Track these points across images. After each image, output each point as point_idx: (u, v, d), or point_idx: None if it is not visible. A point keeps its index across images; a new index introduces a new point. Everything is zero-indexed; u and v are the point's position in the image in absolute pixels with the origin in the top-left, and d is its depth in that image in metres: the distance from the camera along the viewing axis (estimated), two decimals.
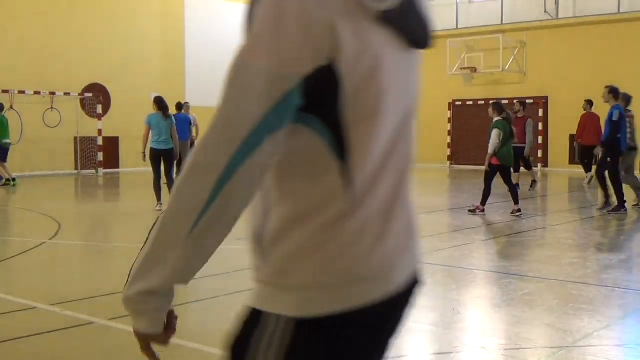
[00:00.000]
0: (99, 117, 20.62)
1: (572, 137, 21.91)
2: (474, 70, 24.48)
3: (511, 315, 5.42)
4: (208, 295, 6.14)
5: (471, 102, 24.79)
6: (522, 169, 15.39)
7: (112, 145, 21.74)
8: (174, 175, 12.27)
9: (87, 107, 21.13)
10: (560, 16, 23.34)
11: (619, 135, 11.25)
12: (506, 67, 23.60)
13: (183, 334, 4.91)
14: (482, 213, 11.41)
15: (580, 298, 6.11)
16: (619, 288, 6.46)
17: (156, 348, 1.51)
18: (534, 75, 23.89)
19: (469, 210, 11.59)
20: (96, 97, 20.85)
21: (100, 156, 20.70)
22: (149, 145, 11.87)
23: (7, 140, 16.66)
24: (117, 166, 22.25)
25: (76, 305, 5.68)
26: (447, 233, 9.69)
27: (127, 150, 22.59)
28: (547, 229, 10.39)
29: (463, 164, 24.99)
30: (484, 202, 11.44)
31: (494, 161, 11.26)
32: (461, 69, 24.62)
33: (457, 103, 25.40)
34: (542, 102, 23.74)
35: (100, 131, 20.52)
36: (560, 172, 21.94)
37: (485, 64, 24.23)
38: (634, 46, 21.77)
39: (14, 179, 16.58)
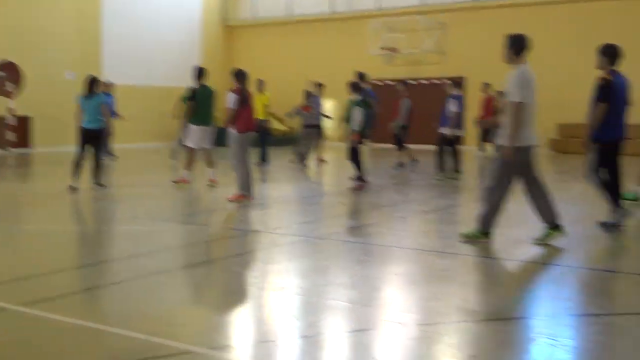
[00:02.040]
0: (10, 95, 19.86)
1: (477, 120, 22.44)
2: (394, 50, 24.69)
3: (428, 292, 5.52)
4: (128, 276, 6.02)
5: (392, 83, 25.04)
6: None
7: (24, 125, 21.00)
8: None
9: None
10: None
11: None
12: (426, 48, 23.90)
13: (104, 319, 4.81)
14: (364, 184, 11.89)
15: (492, 273, 6.29)
16: (530, 262, 6.67)
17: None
18: (453, 56, 24.28)
19: (354, 189, 11.85)
20: (8, 75, 20.06)
21: (11, 135, 19.97)
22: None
23: None
24: (29, 146, 21.52)
25: None
26: (365, 211, 9.78)
27: (40, 129, 21.87)
28: (463, 206, 10.61)
29: (382, 142, 25.25)
30: (362, 176, 11.89)
31: (358, 137, 11.86)
32: (382, 49, 24.80)
33: (378, 83, 25.58)
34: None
35: (11, 110, 19.78)
36: (474, 150, 22.41)
37: (405, 45, 24.47)
38: (551, 29, 22.35)
39: None
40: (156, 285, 5.80)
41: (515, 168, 7.06)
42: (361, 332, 4.50)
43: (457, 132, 13.59)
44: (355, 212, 9.85)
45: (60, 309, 5.01)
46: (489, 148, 19.46)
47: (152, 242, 7.79)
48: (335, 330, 4.62)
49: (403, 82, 16.08)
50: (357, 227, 8.50)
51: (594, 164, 8.00)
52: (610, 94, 7.81)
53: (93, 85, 11.87)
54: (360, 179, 11.89)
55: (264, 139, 16.71)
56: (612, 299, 5.56)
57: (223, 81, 28.49)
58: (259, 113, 16.81)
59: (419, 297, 5.41)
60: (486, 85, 19.77)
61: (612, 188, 8.00)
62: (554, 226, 7.21)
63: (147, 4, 25.44)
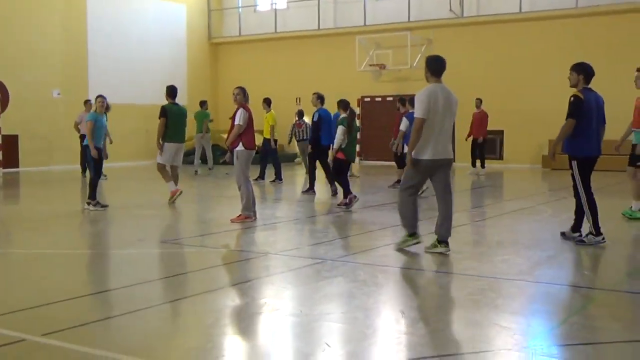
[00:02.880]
0: None
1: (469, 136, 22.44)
2: (382, 67, 24.69)
3: (460, 317, 5.37)
4: (142, 304, 5.82)
5: (380, 99, 25.03)
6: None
7: (11, 144, 20.66)
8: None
9: None
10: (465, 14, 23.89)
11: None
12: (414, 64, 23.91)
13: (124, 349, 4.61)
14: (356, 200, 11.89)
15: (522, 295, 6.16)
16: (556, 284, 6.55)
17: None
18: None
19: (338, 205, 11.90)
20: None
21: None
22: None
23: None
24: (17, 165, 21.18)
25: (2, 321, 5.24)
26: (376, 231, 9.64)
27: (27, 149, 21.54)
28: (471, 225, 10.51)
29: (372, 159, 25.19)
30: (348, 193, 11.87)
31: (341, 155, 11.90)
32: (370, 65, 24.78)
33: (366, 99, 25.55)
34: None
35: None
36: (466, 166, 22.39)
37: (393, 61, 24.48)
38: (534, 44, 22.49)
39: None
40: (173, 313, 5.62)
41: (417, 177, 7.80)
42: None
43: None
44: (366, 232, 9.69)
45: (78, 339, 4.83)
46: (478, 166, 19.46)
47: (164, 267, 7.60)
48: None
49: (401, 98, 15.91)
50: (372, 249, 8.35)
51: (579, 181, 8.20)
52: (582, 111, 8.01)
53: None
54: (346, 195, 11.88)
55: (273, 156, 16.96)
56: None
57: (209, 98, 28.34)
58: (265, 132, 16.81)
59: (453, 323, 5.26)
60: (479, 101, 19.85)
61: (593, 209, 8.17)
62: (441, 241, 7.82)
63: (132, 22, 25.25)
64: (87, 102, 18.36)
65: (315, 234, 9.80)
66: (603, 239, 8.15)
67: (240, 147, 10.22)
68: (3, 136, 19.76)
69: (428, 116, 7.49)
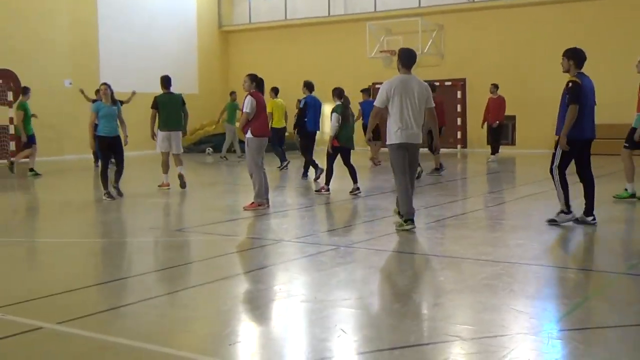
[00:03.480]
0: (10, 104, 19.58)
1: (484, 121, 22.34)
2: (393, 53, 24.55)
3: (476, 302, 5.36)
4: (159, 291, 5.84)
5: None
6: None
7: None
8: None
9: None
10: None
11: None
12: (425, 50, 23.79)
13: (140, 336, 4.63)
14: (327, 192, 12.02)
15: (537, 280, 6.13)
16: (570, 268, 6.52)
17: None
18: (451, 58, 24.20)
19: (316, 191, 12.21)
20: (6, 84, 19.80)
21: (12, 145, 19.68)
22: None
23: None
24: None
25: (19, 309, 5.26)
26: (390, 217, 9.62)
27: (40, 138, 21.57)
28: (485, 210, 10.47)
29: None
30: (328, 182, 12.12)
31: (335, 143, 11.97)
32: (381, 52, 24.67)
33: (377, 86, 25.40)
34: (460, 84, 24.11)
35: (11, 119, 19.49)
36: (480, 152, 22.33)
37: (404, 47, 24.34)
38: (546, 29, 22.32)
39: None
40: (188, 300, 5.63)
41: (396, 162, 8.35)
42: (421, 347, 4.33)
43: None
44: (380, 218, 9.67)
45: (94, 327, 4.85)
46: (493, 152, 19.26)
47: (178, 255, 7.62)
48: (394, 345, 4.45)
49: (432, 85, 15.82)
50: (386, 235, 8.33)
51: (560, 161, 8.42)
52: (581, 95, 8.17)
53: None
54: (327, 183, 12.11)
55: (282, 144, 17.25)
56: None
57: (219, 86, 28.35)
58: (279, 121, 16.82)
59: (470, 308, 5.25)
60: (494, 87, 19.59)
61: (564, 188, 8.44)
62: (407, 219, 8.30)
63: (142, 10, 25.24)
64: (98, 92, 18.36)
65: (329, 220, 9.78)
66: (574, 216, 8.44)
67: (249, 135, 10.20)
68: (16, 126, 19.80)
69: (386, 104, 8.21)
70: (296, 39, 27.15)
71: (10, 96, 19.53)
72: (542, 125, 22.21)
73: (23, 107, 16.75)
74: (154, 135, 13.15)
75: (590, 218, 8.45)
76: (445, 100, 20.56)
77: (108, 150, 11.68)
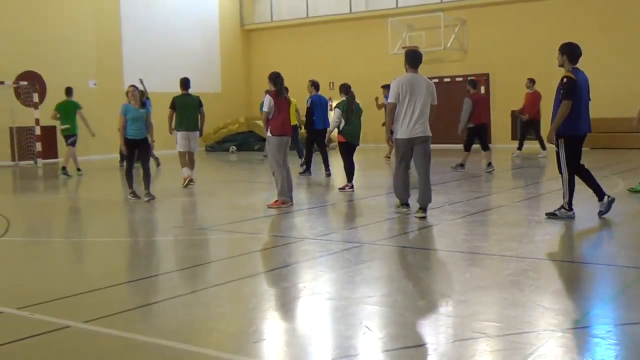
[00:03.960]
0: (35, 105, 19.81)
1: (513, 113, 22.22)
2: (415, 49, 24.45)
3: (502, 298, 5.32)
4: (184, 289, 5.87)
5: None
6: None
7: (49, 135, 20.94)
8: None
9: (22, 95, 20.28)
10: None
11: None
12: (447, 46, 23.67)
13: (166, 334, 4.65)
14: (351, 190, 12.00)
15: (565, 276, 6.08)
16: (598, 264, 6.45)
17: None
18: (474, 53, 24.05)
19: (339, 189, 12.19)
20: (31, 85, 20.02)
21: (38, 146, 19.92)
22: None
23: None
24: (56, 156, 21.47)
25: (47, 308, 5.32)
26: (409, 215, 9.58)
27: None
28: (510, 206, 10.39)
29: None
30: (350, 179, 12.16)
31: (341, 139, 12.14)
32: (403, 48, 24.55)
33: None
34: (484, 79, 23.94)
35: (37, 120, 19.73)
36: (503, 148, 22.17)
37: (426, 43, 24.25)
38: (571, 23, 22.08)
39: None
40: (213, 298, 5.65)
41: (399, 154, 9.11)
42: (447, 345, 4.31)
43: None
44: (404, 215, 9.64)
45: (121, 325, 4.89)
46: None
47: (203, 253, 7.65)
48: (420, 342, 4.43)
49: (472, 80, 15.79)
50: (410, 232, 8.31)
51: (567, 161, 8.41)
52: (575, 91, 8.22)
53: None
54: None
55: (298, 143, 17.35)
56: None
57: (242, 85, 28.44)
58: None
59: (496, 304, 5.21)
60: (531, 82, 19.04)
61: (571, 187, 8.48)
62: (402, 203, 9.34)
63: (164, 10, 25.40)
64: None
65: (352, 217, 9.77)
66: (574, 214, 8.51)
67: (268, 134, 10.30)
68: (42, 127, 20.04)
69: (398, 100, 8.82)
70: (318, 37, 27.15)
71: (35, 97, 19.74)
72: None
73: (75, 107, 16.92)
74: (171, 131, 13.70)
75: (605, 199, 8.60)
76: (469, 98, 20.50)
77: (134, 151, 11.70)
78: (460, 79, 23.94)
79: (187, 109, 13.46)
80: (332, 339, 4.54)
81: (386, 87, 17.70)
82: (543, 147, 18.60)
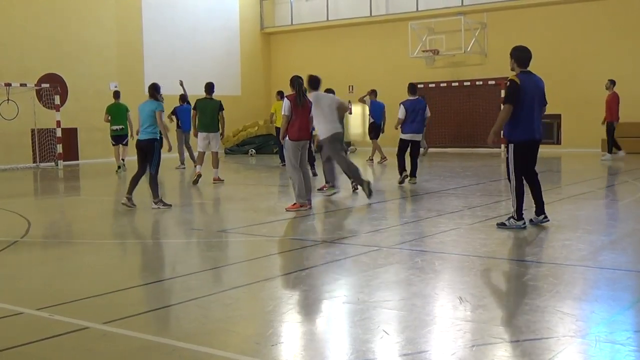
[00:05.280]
0: (57, 108, 19.99)
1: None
2: (435, 52, 24.42)
3: (521, 303, 5.28)
4: (203, 292, 5.88)
5: (433, 85, 24.72)
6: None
7: (70, 137, 21.12)
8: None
9: (44, 98, 20.47)
10: None
11: None
12: (468, 49, 23.58)
13: (183, 336, 4.66)
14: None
15: (584, 281, 6.02)
16: (619, 270, 6.38)
17: None
18: (495, 56, 23.91)
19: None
20: (53, 88, 20.20)
21: (59, 148, 20.08)
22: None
23: None
24: (77, 158, 21.66)
25: (66, 309, 5.36)
26: (433, 218, 9.55)
27: (86, 141, 22.01)
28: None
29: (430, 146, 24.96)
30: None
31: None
32: (423, 51, 24.53)
33: (419, 86, 25.26)
34: (504, 83, 23.76)
35: (58, 122, 19.89)
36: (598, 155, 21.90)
37: (446, 46, 24.19)
38: (591, 26, 21.94)
39: None
40: (231, 301, 5.65)
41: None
42: (465, 350, 4.28)
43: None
44: (422, 219, 9.61)
45: (139, 327, 4.91)
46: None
47: (221, 256, 7.67)
48: (437, 346, 4.40)
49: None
50: (428, 236, 8.28)
51: (515, 166, 8.18)
52: (518, 95, 7.94)
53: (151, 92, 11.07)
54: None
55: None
56: None
57: (262, 88, 28.50)
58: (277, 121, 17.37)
59: (514, 309, 5.17)
60: (612, 83, 18.04)
61: (519, 195, 8.24)
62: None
63: (185, 13, 25.54)
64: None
65: (370, 221, 9.75)
66: (524, 223, 8.28)
67: (286, 137, 10.37)
68: (63, 129, 20.21)
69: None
70: (338, 40, 27.15)
71: (57, 100, 19.90)
72: (588, 123, 21.80)
73: (126, 109, 17.83)
74: (196, 134, 14.56)
75: (541, 217, 8.46)
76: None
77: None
78: (480, 82, 23.84)
79: (206, 111, 14.26)
80: (350, 343, 4.53)
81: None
82: (610, 150, 18.48)
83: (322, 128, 11.33)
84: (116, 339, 4.66)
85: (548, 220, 8.46)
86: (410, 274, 6.37)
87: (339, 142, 11.67)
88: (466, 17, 23.63)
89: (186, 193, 13.56)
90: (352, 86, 25.75)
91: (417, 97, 13.57)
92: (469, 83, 24.34)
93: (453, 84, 24.42)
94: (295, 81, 10.42)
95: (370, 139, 19.09)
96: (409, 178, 13.34)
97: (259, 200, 12.13)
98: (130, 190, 10.87)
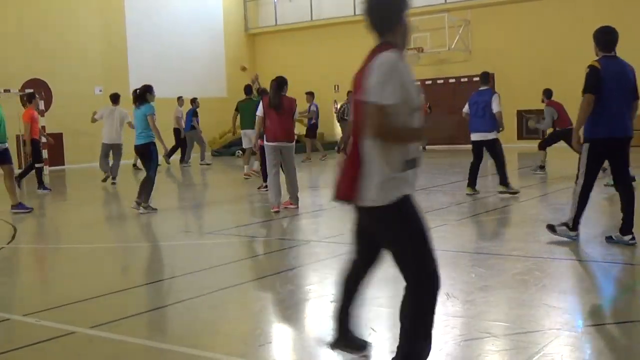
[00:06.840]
0: (42, 113, 19.84)
1: (519, 112, 22.28)
2: (420, 50, 24.46)
3: (508, 298, 5.30)
4: (191, 294, 5.86)
5: (418, 82, 24.67)
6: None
7: (56, 142, 20.98)
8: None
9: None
10: None
11: None
12: (452, 46, 23.65)
13: (172, 339, 4.65)
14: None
15: (571, 275, 6.05)
16: (605, 262, 6.42)
17: None
18: (479, 53, 24.00)
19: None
20: (37, 93, 20.05)
21: (44, 153, 19.93)
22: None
23: None
24: (63, 163, 21.55)
25: (53, 314, 5.33)
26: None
27: (72, 146, 21.89)
28: (515, 205, 10.36)
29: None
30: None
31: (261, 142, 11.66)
32: (408, 49, 24.53)
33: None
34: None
35: (43, 127, 19.75)
36: (509, 147, 22.06)
37: (431, 44, 24.24)
38: (578, 22, 22.03)
39: None
40: (219, 302, 5.64)
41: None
42: (453, 345, 4.30)
43: None
44: None
45: (127, 330, 4.89)
46: None
47: (209, 258, 7.65)
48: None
49: (548, 90, 15.88)
50: None
51: (583, 166, 6.82)
52: (599, 84, 6.66)
53: (135, 95, 10.98)
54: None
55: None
56: None
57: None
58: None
59: (502, 304, 5.19)
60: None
61: (582, 203, 6.93)
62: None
63: (169, 15, 25.47)
64: (179, 99, 20.84)
65: None
66: (576, 235, 7.10)
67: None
68: (48, 134, 20.07)
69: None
70: (322, 40, 27.14)
71: (41, 105, 19.76)
72: (573, 120, 21.84)
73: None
74: (234, 132, 16.40)
75: (628, 238, 6.88)
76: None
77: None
78: (465, 79, 23.91)
79: (245, 111, 15.35)
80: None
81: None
82: None
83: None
84: (103, 343, 4.65)
85: (635, 243, 6.81)
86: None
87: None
88: (450, 15, 23.70)
89: (174, 195, 13.52)
90: (338, 85, 25.75)
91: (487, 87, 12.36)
92: (454, 80, 24.41)
93: (438, 81, 24.49)
94: (271, 82, 10.33)
95: (308, 137, 20.82)
96: None
97: (247, 201, 12.11)
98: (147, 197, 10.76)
